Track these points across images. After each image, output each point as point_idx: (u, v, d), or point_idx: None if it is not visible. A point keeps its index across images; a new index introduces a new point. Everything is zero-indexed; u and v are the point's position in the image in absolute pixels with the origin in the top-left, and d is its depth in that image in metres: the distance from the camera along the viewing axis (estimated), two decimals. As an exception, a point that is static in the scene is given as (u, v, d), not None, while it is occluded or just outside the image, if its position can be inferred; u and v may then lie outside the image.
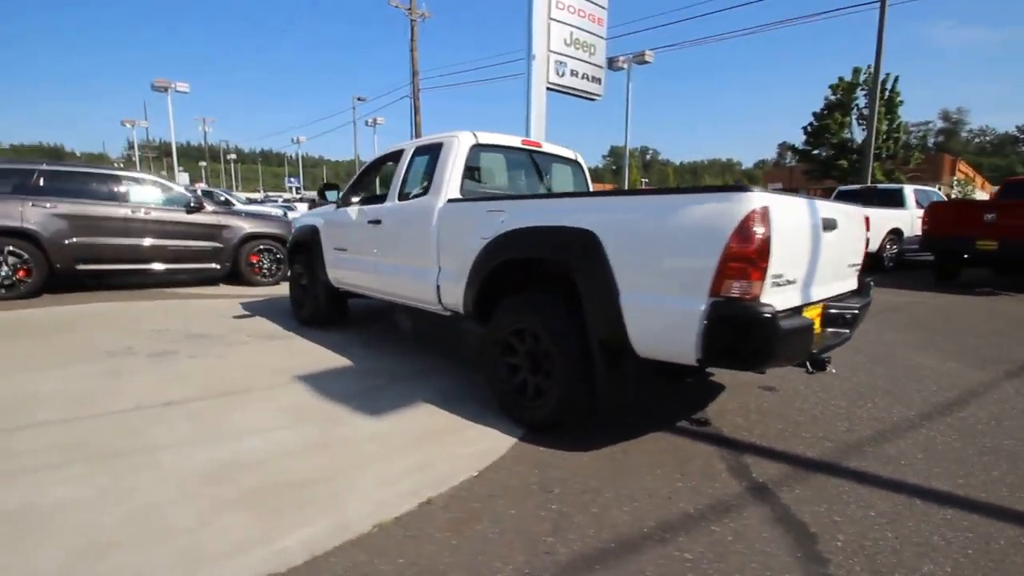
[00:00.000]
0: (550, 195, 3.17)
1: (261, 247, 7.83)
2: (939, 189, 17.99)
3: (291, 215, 13.95)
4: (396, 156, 4.19)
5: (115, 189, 6.74)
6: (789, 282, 2.19)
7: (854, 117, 27.04)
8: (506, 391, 2.89)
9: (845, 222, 2.64)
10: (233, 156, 75.10)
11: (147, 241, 6.86)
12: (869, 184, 14.53)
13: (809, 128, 28.15)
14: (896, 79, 25.42)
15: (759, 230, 1.95)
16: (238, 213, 8.05)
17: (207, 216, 7.38)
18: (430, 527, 1.92)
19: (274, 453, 2.45)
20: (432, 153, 3.68)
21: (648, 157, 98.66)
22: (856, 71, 26.65)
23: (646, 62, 19.11)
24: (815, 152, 27.99)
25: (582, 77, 16.19)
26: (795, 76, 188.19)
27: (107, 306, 5.96)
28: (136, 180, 7.08)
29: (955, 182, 31.05)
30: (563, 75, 15.67)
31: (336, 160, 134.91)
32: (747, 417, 3.03)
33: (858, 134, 26.89)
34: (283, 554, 1.73)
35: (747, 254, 1.96)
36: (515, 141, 3.84)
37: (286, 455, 2.44)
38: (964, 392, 3.48)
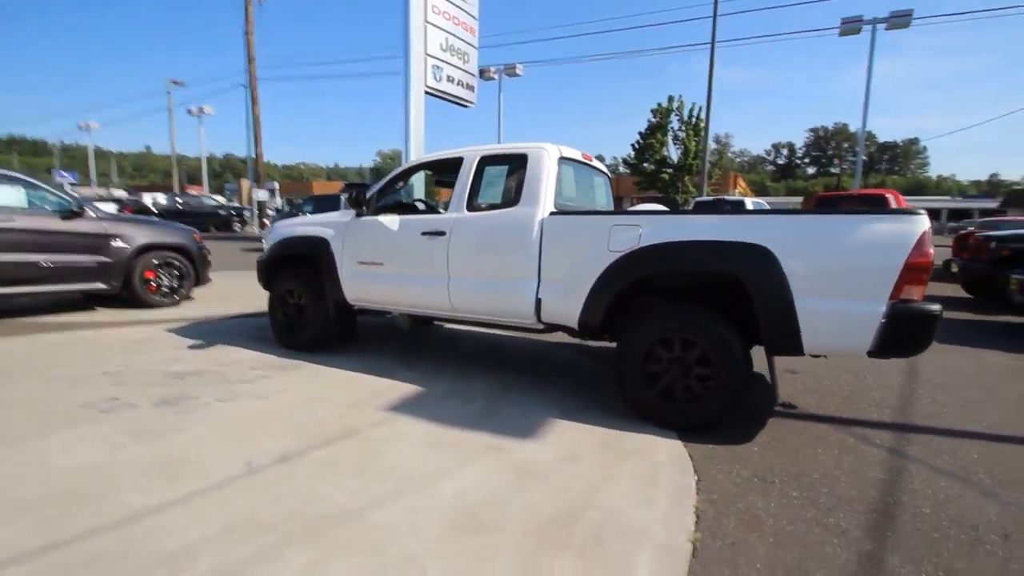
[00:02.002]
0: (700, 212, 3.40)
1: (159, 260, 6.43)
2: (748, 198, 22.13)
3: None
4: (448, 165, 3.95)
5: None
6: None
7: (670, 138, 31.89)
8: (648, 398, 3.02)
9: None
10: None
11: (10, 257, 5.17)
12: (711, 197, 17.33)
13: (636, 145, 32.41)
14: (701, 108, 30.67)
15: (929, 246, 2.47)
16: (128, 219, 6.50)
17: (90, 223, 5.83)
18: (734, 533, 2.02)
19: (490, 492, 2.25)
20: (513, 164, 3.60)
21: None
22: (671, 99, 31.49)
23: (516, 74, 20.06)
24: (643, 166, 32.30)
25: (457, 84, 16.46)
26: (601, 98, 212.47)
27: (-23, 347, 4.37)
28: (-12, 176, 5.27)
29: (737, 194, 38.61)
30: (440, 80, 15.78)
31: (122, 152, 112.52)
32: (811, 397, 3.63)
33: (673, 152, 31.82)
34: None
35: (922, 264, 2.46)
36: (577, 154, 3.95)
37: (506, 491, 2.26)
38: (903, 361, 4.58)
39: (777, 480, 2.44)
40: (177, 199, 22.19)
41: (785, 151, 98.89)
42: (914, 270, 2.46)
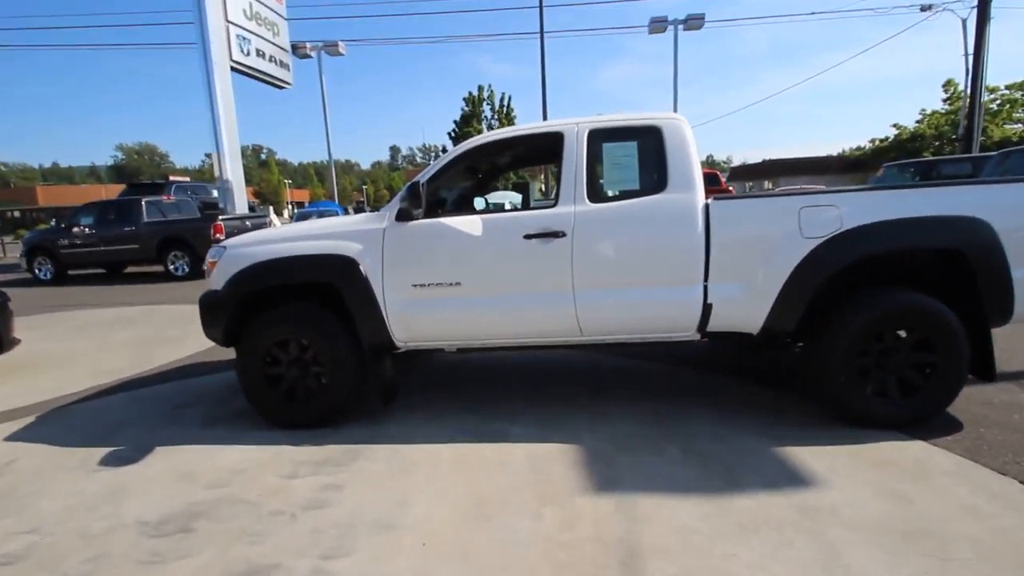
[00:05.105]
0: (902, 187, 2.99)
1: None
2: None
3: None
4: (535, 143, 2.97)
5: None
6: None
7: (485, 126, 32.48)
8: (865, 398, 2.67)
9: None
10: None
11: None
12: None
13: (453, 134, 32.23)
14: (510, 97, 31.91)
15: None
16: None
17: None
18: None
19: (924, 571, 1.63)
20: (643, 139, 2.84)
21: (264, 156, 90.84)
22: (480, 88, 32.00)
23: (339, 53, 17.64)
24: (462, 154, 32.35)
25: (269, 59, 14.27)
26: (401, 86, 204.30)
27: None
28: None
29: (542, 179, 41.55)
30: (248, 53, 13.52)
31: None
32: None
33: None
34: None
35: None
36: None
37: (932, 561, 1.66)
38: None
39: None
40: None
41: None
42: (1098, 232, 2.57)
